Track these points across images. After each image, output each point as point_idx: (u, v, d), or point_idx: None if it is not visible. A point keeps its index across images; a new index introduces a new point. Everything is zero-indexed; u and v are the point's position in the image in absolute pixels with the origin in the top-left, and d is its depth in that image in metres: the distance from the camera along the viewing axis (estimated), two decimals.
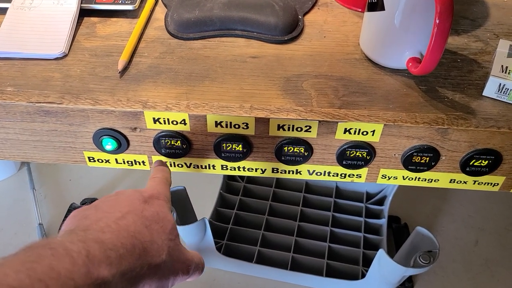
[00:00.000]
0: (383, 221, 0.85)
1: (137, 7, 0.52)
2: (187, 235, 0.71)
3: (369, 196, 0.92)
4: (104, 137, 0.44)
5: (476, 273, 0.85)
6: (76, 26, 0.51)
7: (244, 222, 0.87)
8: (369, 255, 0.79)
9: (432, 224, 0.93)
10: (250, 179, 0.94)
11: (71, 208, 0.91)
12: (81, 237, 0.31)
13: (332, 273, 0.79)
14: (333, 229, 0.85)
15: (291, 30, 0.50)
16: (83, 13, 0.52)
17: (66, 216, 0.90)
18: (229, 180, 0.93)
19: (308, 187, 0.93)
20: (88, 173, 0.99)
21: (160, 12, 0.54)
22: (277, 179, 0.93)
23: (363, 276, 0.76)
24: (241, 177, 0.95)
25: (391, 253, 0.80)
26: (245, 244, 0.82)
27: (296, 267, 0.80)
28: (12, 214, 0.92)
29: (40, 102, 0.43)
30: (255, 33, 0.50)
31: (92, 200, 0.94)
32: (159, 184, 0.41)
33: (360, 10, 0.54)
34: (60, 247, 0.29)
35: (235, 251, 0.82)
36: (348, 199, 0.91)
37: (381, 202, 0.90)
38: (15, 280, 0.25)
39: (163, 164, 0.46)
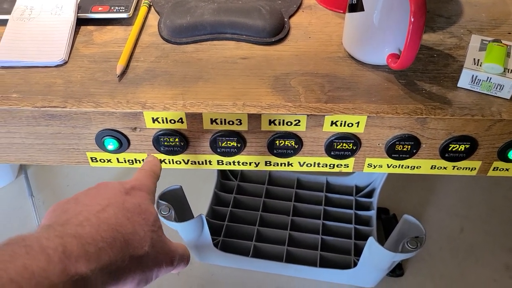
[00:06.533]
0: (373, 213, 0.88)
1: (131, 15, 0.55)
2: (185, 231, 0.73)
3: (358, 190, 0.96)
4: (106, 137, 0.47)
5: (462, 258, 0.89)
6: (74, 34, 0.53)
7: (239, 219, 0.90)
8: (360, 245, 0.83)
9: (419, 214, 0.96)
10: (243, 178, 0.97)
11: None
12: (58, 232, 0.30)
13: (325, 263, 0.82)
14: (325, 222, 0.88)
15: (278, 32, 0.54)
16: (80, 22, 0.54)
17: None
18: (223, 179, 0.96)
19: (300, 183, 0.96)
20: (84, 179, 1.01)
21: (153, 19, 0.56)
22: (269, 176, 0.96)
23: (355, 265, 0.79)
24: (235, 176, 0.98)
25: (380, 242, 0.83)
26: (240, 240, 0.85)
27: (291, 259, 0.83)
28: (12, 220, 0.94)
29: (44, 107, 0.45)
30: (244, 36, 0.53)
31: None
32: (144, 175, 0.41)
33: (342, 11, 0.57)
34: (35, 244, 0.28)
35: (231, 247, 0.85)
36: (338, 193, 0.95)
37: (370, 194, 0.93)
38: None
39: (154, 158, 0.46)
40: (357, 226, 0.87)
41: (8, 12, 0.54)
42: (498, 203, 0.98)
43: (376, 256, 0.71)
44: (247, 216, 0.89)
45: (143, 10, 0.56)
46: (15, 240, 0.28)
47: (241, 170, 0.98)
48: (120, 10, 0.55)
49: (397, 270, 0.85)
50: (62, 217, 0.33)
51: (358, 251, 0.82)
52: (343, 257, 0.82)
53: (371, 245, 0.70)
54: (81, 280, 0.28)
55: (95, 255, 0.30)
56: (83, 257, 0.29)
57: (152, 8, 0.58)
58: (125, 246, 0.32)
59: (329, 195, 0.93)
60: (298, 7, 0.58)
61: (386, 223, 0.91)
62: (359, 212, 0.90)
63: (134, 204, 0.36)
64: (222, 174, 0.96)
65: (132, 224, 0.34)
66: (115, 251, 0.32)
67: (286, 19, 0.56)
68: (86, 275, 0.29)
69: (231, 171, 0.98)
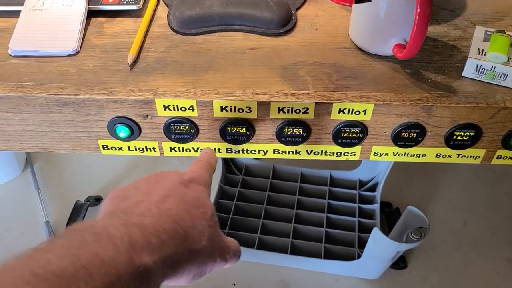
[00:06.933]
0: (376, 206, 0.89)
1: (141, 7, 0.56)
2: None
3: (362, 184, 0.97)
4: (118, 125, 0.48)
5: (465, 252, 0.90)
6: (85, 25, 0.54)
7: (244, 212, 0.91)
8: (364, 238, 0.84)
9: (422, 207, 0.96)
10: (248, 172, 0.98)
11: (77, 206, 0.94)
12: (123, 221, 0.30)
13: (329, 255, 0.83)
14: (329, 215, 0.89)
15: (285, 24, 0.55)
16: (91, 14, 0.55)
17: (71, 214, 0.93)
18: (227, 174, 0.97)
19: (304, 177, 0.97)
20: (90, 173, 1.02)
21: (162, 11, 0.57)
22: (274, 170, 0.97)
23: (359, 257, 0.80)
24: (239, 170, 0.99)
25: (384, 234, 0.84)
26: (246, 232, 0.86)
27: (296, 251, 0.84)
28: (19, 214, 0.95)
29: (58, 94, 0.46)
30: (252, 27, 0.54)
31: (96, 197, 0.97)
32: (201, 168, 0.41)
33: (348, 4, 0.58)
34: (103, 232, 0.28)
35: (236, 239, 0.85)
36: (341, 187, 0.96)
37: (373, 188, 0.94)
38: (58, 267, 0.24)
39: (211, 150, 0.46)
40: (361, 219, 0.88)
41: (21, 3, 0.55)
42: (500, 200, 0.99)
43: (380, 247, 0.72)
44: (252, 209, 0.90)
45: (152, 2, 0.57)
46: (84, 227, 0.29)
47: (246, 164, 0.99)
48: (130, 2, 0.56)
49: (400, 263, 0.86)
50: (122, 205, 0.34)
51: (362, 244, 0.82)
52: (347, 249, 0.83)
53: (376, 236, 0.70)
54: (145, 271, 0.28)
55: (158, 246, 0.30)
56: (146, 248, 0.29)
57: (161, 0, 0.59)
58: (184, 239, 0.32)
59: (333, 189, 0.94)
60: (305, 0, 0.59)
61: (390, 217, 0.92)
62: (363, 206, 0.91)
63: (193, 198, 0.36)
64: (227, 168, 0.97)
65: (191, 217, 0.34)
66: (176, 244, 0.31)
67: (293, 11, 0.57)
68: (149, 266, 0.29)
69: (236, 165, 0.99)
